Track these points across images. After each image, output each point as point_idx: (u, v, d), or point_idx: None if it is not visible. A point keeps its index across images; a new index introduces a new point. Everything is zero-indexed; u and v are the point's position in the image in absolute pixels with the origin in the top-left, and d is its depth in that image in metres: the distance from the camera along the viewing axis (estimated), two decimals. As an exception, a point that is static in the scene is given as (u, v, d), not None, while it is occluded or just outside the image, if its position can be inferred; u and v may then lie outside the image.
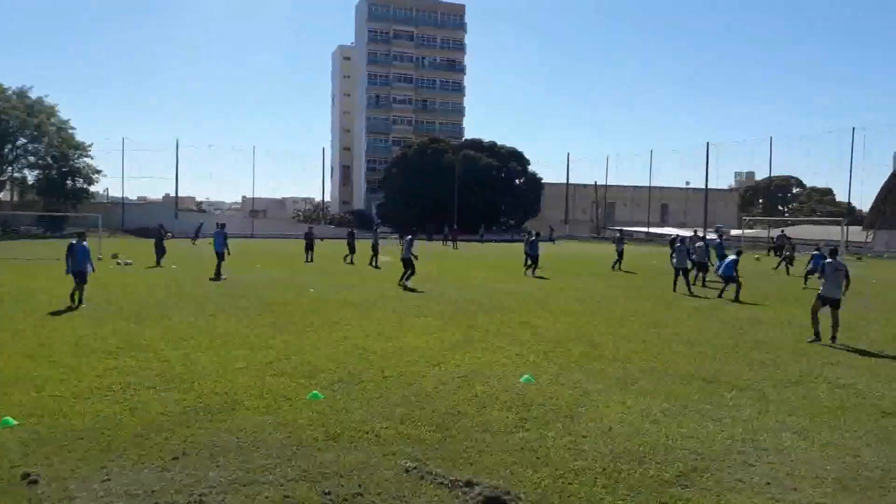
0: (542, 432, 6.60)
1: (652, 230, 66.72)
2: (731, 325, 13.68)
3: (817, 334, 11.98)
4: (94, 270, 16.10)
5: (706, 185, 63.82)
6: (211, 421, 6.76)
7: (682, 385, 8.67)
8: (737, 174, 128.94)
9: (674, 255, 20.73)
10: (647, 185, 72.19)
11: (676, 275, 20.22)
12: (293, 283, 20.62)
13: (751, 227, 59.11)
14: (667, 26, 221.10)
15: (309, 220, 71.57)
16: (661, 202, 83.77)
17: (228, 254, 22.94)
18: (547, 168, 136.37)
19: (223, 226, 24.05)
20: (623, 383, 8.67)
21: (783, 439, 6.60)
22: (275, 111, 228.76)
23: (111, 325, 12.47)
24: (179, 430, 6.43)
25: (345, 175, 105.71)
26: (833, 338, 11.76)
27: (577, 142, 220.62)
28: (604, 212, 79.98)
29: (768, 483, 5.52)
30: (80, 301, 14.93)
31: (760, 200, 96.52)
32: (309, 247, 31.42)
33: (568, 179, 79.13)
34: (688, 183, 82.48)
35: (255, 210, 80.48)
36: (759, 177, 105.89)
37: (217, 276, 21.65)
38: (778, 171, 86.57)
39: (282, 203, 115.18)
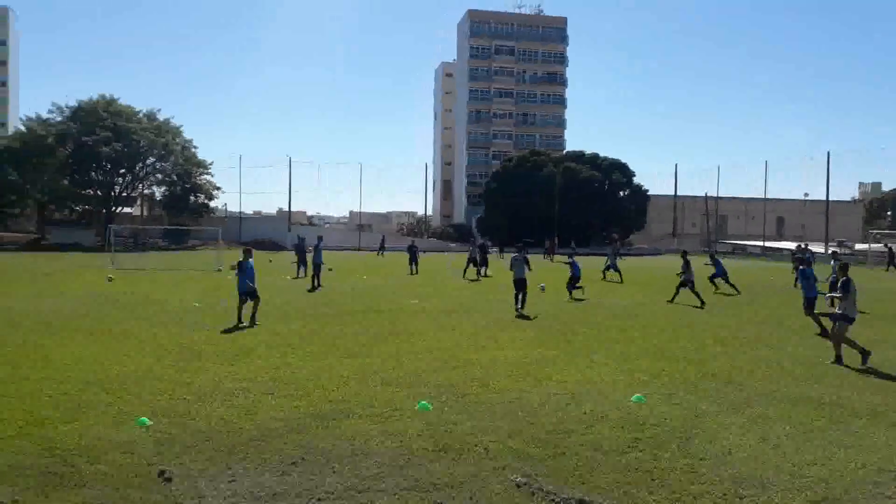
0: (657, 453, 6.38)
1: (768, 244, 63.33)
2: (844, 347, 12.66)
3: (839, 357, 11.06)
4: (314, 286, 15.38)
5: (827, 197, 59.94)
6: (325, 428, 7.00)
7: (804, 409, 8.14)
8: (861, 185, 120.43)
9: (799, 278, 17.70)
10: (762, 196, 68.65)
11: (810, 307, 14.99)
12: (395, 294, 21.08)
13: (878, 241, 54.86)
14: (781, 30, 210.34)
15: (412, 233, 72.94)
16: (777, 215, 79.41)
17: (324, 265, 24.38)
18: (654, 180, 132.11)
19: (320, 238, 25.33)
20: (739, 406, 8.25)
21: (925, 472, 6.05)
22: (381, 128, 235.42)
23: (225, 331, 13.19)
24: (296, 436, 6.70)
25: (446, 189, 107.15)
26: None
27: (686, 153, 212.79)
28: (715, 225, 76.72)
29: (910, 519, 5.08)
30: (253, 319, 14.27)
31: (888, 213, 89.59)
32: (413, 259, 32.14)
33: (676, 191, 76.55)
34: (806, 195, 77.75)
35: (361, 224, 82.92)
36: (886, 187, 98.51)
37: (315, 285, 22.77)
38: (909, 182, 79.99)
39: (386, 217, 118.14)
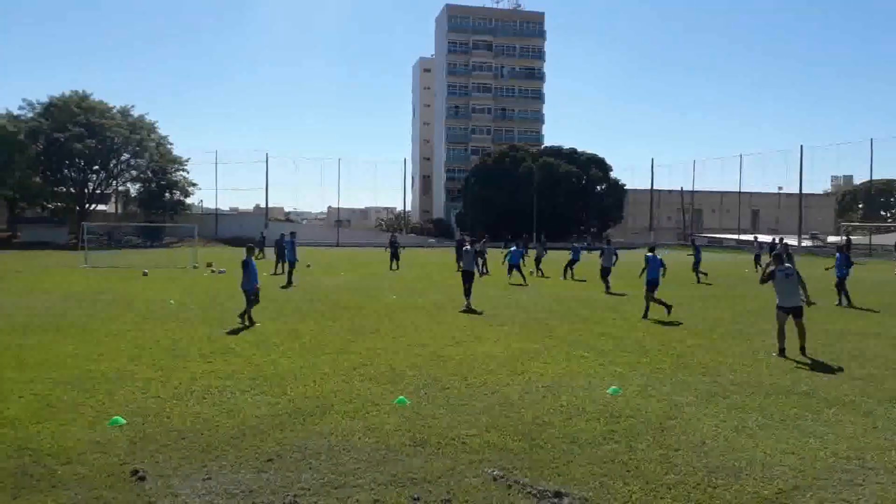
0: (632, 444, 6.45)
1: (742, 237, 64.13)
2: (824, 336, 12.91)
3: (782, 350, 11.10)
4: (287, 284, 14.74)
5: (800, 190, 60.84)
6: (303, 424, 6.97)
7: (778, 399, 8.27)
8: (833, 178, 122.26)
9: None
10: (737, 190, 69.49)
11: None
12: (374, 290, 21.03)
13: (849, 234, 55.83)
14: (754, 25, 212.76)
15: (391, 229, 72.83)
16: (752, 208, 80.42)
17: (298, 260, 24.31)
18: (630, 174, 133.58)
19: (293, 234, 24.95)
20: (714, 396, 8.36)
21: (893, 458, 6.19)
22: (359, 124, 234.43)
23: (202, 329, 13.09)
24: (273, 433, 6.67)
25: (425, 185, 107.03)
26: (802, 348, 11.00)
27: (662, 147, 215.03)
28: (691, 218, 77.59)
29: (878, 504, 5.20)
30: (251, 320, 13.88)
31: (860, 205, 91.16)
32: (394, 255, 31.91)
33: (652, 185, 77.20)
34: (780, 188, 78.86)
35: (339, 220, 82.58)
36: (857, 180, 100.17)
37: (289, 282, 22.57)
38: (879, 175, 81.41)
39: (365, 213, 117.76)
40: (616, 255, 22.70)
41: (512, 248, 20.15)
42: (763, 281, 11.60)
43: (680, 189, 76.40)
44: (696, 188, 74.96)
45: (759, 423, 7.25)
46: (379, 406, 7.70)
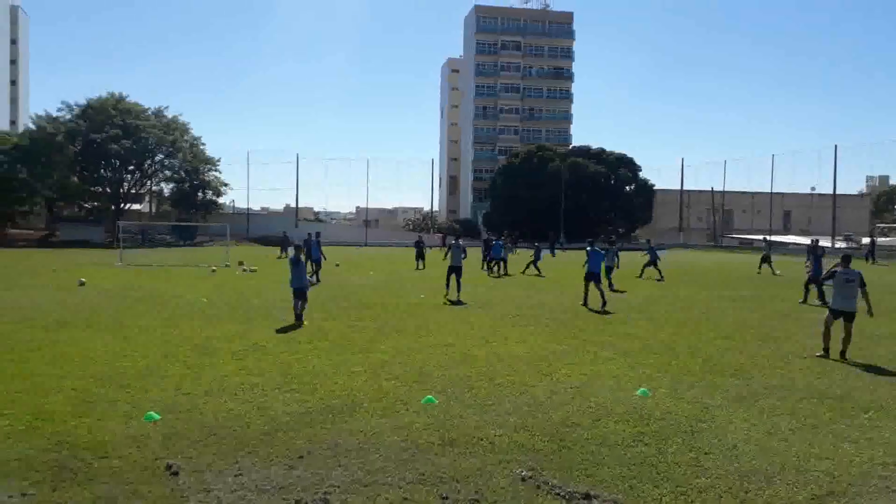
0: (662, 447, 6.39)
1: (774, 238, 63.06)
2: (858, 339, 12.57)
3: (826, 350, 11.05)
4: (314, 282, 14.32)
5: (834, 191, 59.67)
6: (332, 422, 7.04)
7: (811, 403, 8.14)
8: (868, 178, 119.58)
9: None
10: (769, 191, 68.31)
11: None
12: (402, 289, 21.13)
13: (885, 235, 54.58)
14: (786, 23, 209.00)
15: (418, 229, 73.02)
16: (784, 209, 79.02)
17: (325, 259, 25.19)
18: (660, 174, 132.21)
19: (318, 234, 25.76)
20: (745, 399, 8.25)
21: (932, 466, 6.04)
22: (388, 124, 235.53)
23: (234, 327, 13.28)
24: (303, 430, 6.74)
25: (452, 185, 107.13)
26: (843, 352, 10.84)
27: (693, 147, 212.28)
28: (721, 219, 76.50)
29: (916, 512, 5.08)
30: (300, 319, 13.81)
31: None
32: (419, 255, 32.19)
33: (682, 186, 76.37)
34: (813, 189, 77.40)
35: (367, 220, 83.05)
36: (894, 181, 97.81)
37: (316, 281, 22.99)
38: (918, 175, 79.37)
39: (393, 213, 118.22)
40: (617, 256, 24.07)
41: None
42: (823, 280, 11.54)
43: (710, 189, 75.37)
44: (727, 188, 73.90)
45: (791, 427, 7.13)
46: (407, 405, 7.74)
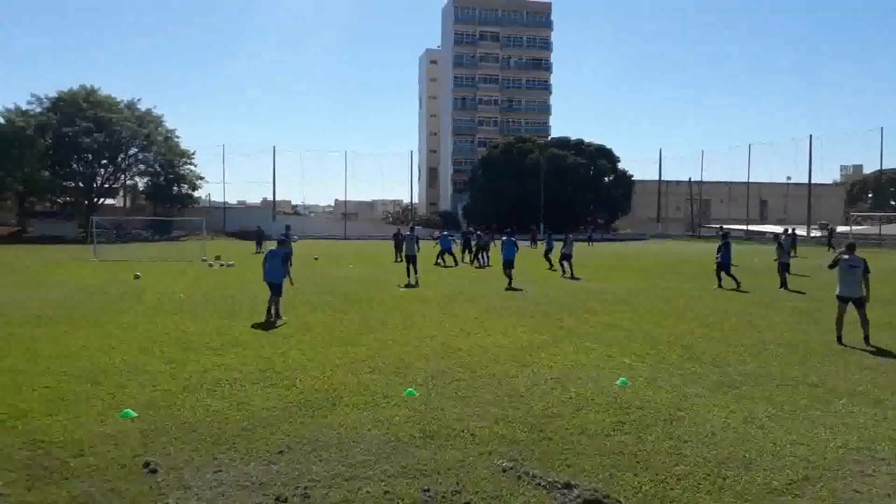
0: (641, 436, 6.44)
1: (751, 227, 63.87)
2: (830, 327, 12.79)
3: (839, 338, 11.32)
4: (287, 277, 14.18)
5: (809, 180, 60.55)
6: (312, 417, 7.00)
7: (787, 390, 8.25)
8: (843, 168, 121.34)
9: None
10: (746, 180, 69.10)
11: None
12: (382, 281, 21.08)
13: (859, 224, 55.49)
14: (762, 13, 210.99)
15: (398, 221, 72.85)
16: (761, 198, 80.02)
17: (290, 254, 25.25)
18: (638, 165, 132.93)
19: (288, 228, 25.63)
20: (723, 387, 8.34)
21: (905, 449, 6.16)
22: (365, 116, 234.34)
23: (212, 322, 13.15)
24: (283, 425, 6.70)
25: (431, 177, 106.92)
26: (866, 338, 11.13)
27: (670, 138, 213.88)
28: (699, 209, 77.27)
29: (888, 495, 5.18)
30: (277, 315, 13.44)
31: (870, 195, 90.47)
32: (398, 247, 32.06)
33: (660, 176, 77.05)
34: (789, 178, 78.42)
35: (346, 213, 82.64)
36: (867, 170, 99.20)
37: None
38: (890, 164, 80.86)
39: (372, 205, 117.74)
40: (574, 243, 25.41)
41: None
42: (830, 266, 11.76)
43: (688, 180, 76.06)
44: (705, 178, 74.66)
45: (768, 414, 7.23)
46: (388, 398, 7.72)
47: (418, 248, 22.31)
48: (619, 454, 5.96)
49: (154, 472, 5.49)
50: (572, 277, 23.16)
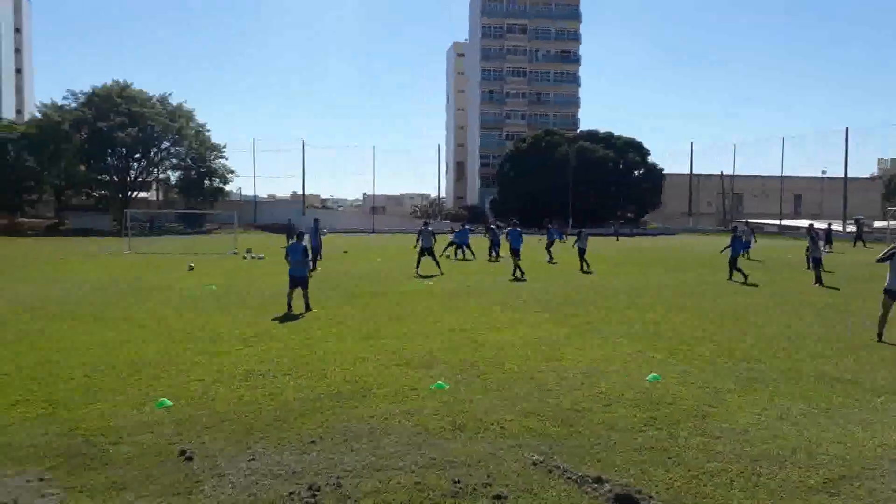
0: (673, 432, 6.39)
1: (785, 222, 62.68)
2: (867, 322, 12.52)
3: (879, 335, 10.94)
4: (312, 269, 14.18)
5: (845, 174, 59.16)
6: (342, 408, 7.07)
7: (822, 387, 8.11)
8: (880, 161, 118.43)
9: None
10: (779, 174, 67.80)
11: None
12: (409, 275, 21.16)
13: (896, 218, 54.09)
14: (798, 3, 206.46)
15: (425, 215, 72.98)
16: (794, 192, 78.48)
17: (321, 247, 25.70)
18: (669, 158, 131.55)
19: (316, 221, 26.25)
20: (755, 383, 8.23)
21: (945, 449, 6.02)
22: (393, 110, 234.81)
23: (243, 314, 13.33)
24: (314, 416, 6.78)
25: (459, 171, 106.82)
26: None
27: (702, 130, 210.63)
28: (731, 203, 76.07)
29: (929, 496, 5.07)
30: (307, 307, 13.78)
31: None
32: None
33: (691, 170, 75.88)
34: (824, 172, 76.78)
35: (374, 207, 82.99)
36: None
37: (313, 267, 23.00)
38: (930, 157, 78.60)
39: (399, 199, 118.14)
40: (588, 237, 25.11)
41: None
42: (880, 260, 11.37)
43: (720, 173, 74.90)
44: (737, 172, 73.43)
45: (802, 411, 7.12)
46: (416, 390, 7.76)
47: (434, 241, 23.36)
48: (651, 450, 5.92)
49: (189, 459, 5.60)
50: (587, 271, 23.22)
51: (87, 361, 9.11)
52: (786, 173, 68.14)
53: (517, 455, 5.74)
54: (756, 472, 5.44)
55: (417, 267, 22.18)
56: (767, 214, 69.03)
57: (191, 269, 23.19)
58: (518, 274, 21.04)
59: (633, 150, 73.33)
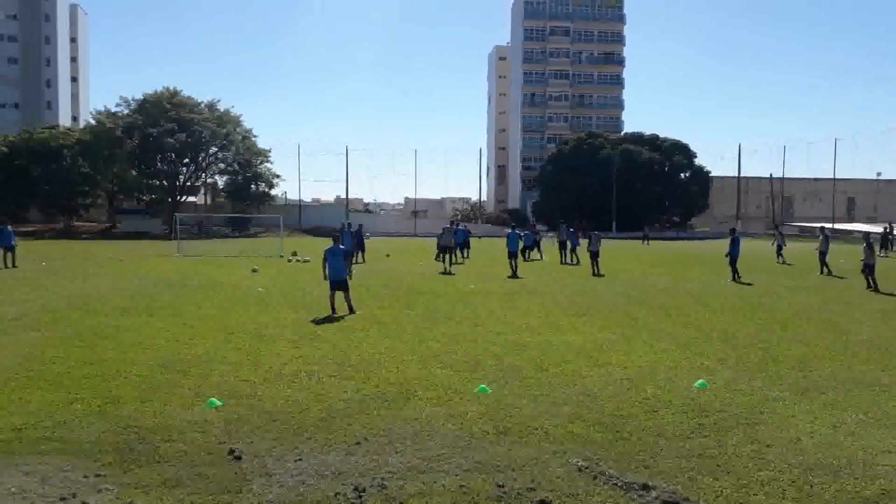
0: (722, 439, 6.27)
1: (837, 226, 60.83)
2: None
3: None
4: (349, 272, 14.00)
5: (902, 176, 56.97)
6: (388, 409, 7.13)
7: (877, 395, 7.85)
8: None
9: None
10: (832, 176, 65.83)
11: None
12: (450, 278, 21.19)
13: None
14: (844, 3, 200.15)
15: (466, 219, 73.02)
16: (847, 195, 76.09)
17: (358, 250, 27.02)
18: (716, 161, 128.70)
19: (349, 224, 27.94)
20: (808, 392, 8.01)
21: None
22: (435, 114, 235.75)
23: (289, 315, 13.55)
24: (359, 417, 6.85)
25: (500, 174, 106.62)
26: None
27: (751, 132, 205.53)
28: (780, 206, 74.16)
29: None
30: (350, 309, 13.84)
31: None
32: (465, 245, 32.43)
33: (739, 172, 74.28)
34: (879, 174, 74.27)
35: (416, 210, 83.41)
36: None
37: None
38: None
39: (440, 203, 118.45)
40: (601, 240, 24.59)
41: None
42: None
43: (769, 175, 73.12)
44: (787, 175, 71.61)
45: (857, 420, 6.90)
46: (460, 393, 7.77)
47: (455, 241, 25.92)
48: (699, 457, 5.82)
49: (238, 458, 5.72)
50: (598, 274, 22.98)
51: (140, 359, 9.38)
52: (838, 176, 66.16)
53: (562, 460, 5.70)
54: (809, 482, 5.31)
55: (442, 261, 24.87)
56: (819, 218, 66.96)
57: (254, 272, 23.66)
58: (514, 274, 22.37)
59: (679, 153, 72.09)
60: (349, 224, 27.71)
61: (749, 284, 20.20)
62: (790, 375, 8.80)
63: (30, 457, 5.74)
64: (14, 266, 24.06)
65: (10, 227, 25.76)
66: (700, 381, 8.36)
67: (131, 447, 6.00)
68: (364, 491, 5.06)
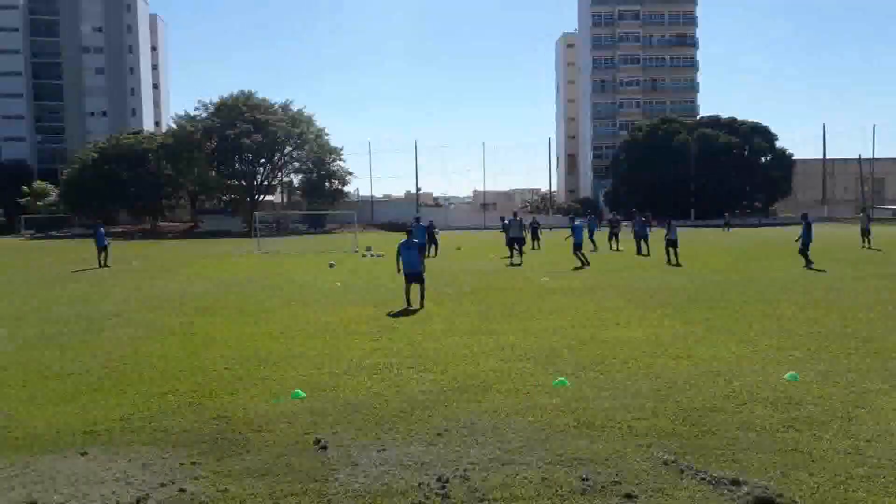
0: (816, 434, 6.00)
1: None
2: None
3: None
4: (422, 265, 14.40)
5: None
6: (467, 402, 7.17)
7: None
8: None
9: None
10: (927, 155, 61.78)
11: None
12: (523, 271, 21.08)
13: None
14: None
15: (536, 210, 72.45)
16: (946, 175, 71.34)
17: (429, 245, 27.48)
18: (799, 143, 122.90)
19: (418, 219, 28.48)
20: (910, 384, 7.57)
21: None
22: (503, 105, 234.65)
23: (366, 309, 13.80)
24: (439, 409, 6.92)
25: (570, 163, 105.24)
26: None
27: (836, 112, 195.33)
28: (871, 189, 70.22)
29: None
30: (421, 303, 13.98)
31: None
32: (535, 236, 32.26)
33: (824, 154, 70.77)
34: (982, 150, 69.12)
35: (485, 203, 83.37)
36: None
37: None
38: None
39: (510, 195, 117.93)
40: (676, 228, 23.65)
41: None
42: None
43: (858, 157, 69.30)
44: (877, 155, 67.69)
45: (967, 415, 6.47)
46: (539, 386, 7.74)
47: (523, 233, 26.03)
48: (792, 452, 5.59)
49: (324, 448, 5.88)
50: (676, 264, 22.32)
51: (227, 354, 9.77)
52: (936, 154, 61.99)
53: (646, 454, 5.59)
54: (914, 479, 5.02)
55: (512, 255, 24.66)
56: (915, 199, 63.12)
57: (332, 266, 24.32)
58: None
59: (759, 136, 69.35)
60: (418, 219, 28.10)
61: (822, 272, 19.44)
62: (888, 367, 8.34)
63: (132, 445, 6.08)
64: (107, 265, 25.48)
65: (102, 229, 27.30)
66: (790, 373, 8.03)
67: (224, 437, 6.26)
68: (448, 482, 5.11)
